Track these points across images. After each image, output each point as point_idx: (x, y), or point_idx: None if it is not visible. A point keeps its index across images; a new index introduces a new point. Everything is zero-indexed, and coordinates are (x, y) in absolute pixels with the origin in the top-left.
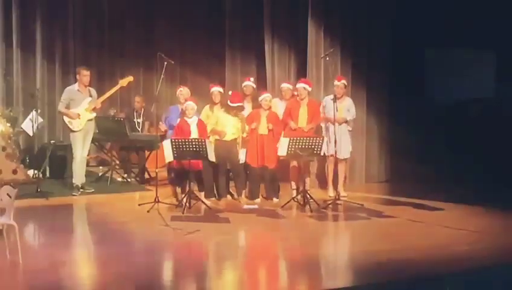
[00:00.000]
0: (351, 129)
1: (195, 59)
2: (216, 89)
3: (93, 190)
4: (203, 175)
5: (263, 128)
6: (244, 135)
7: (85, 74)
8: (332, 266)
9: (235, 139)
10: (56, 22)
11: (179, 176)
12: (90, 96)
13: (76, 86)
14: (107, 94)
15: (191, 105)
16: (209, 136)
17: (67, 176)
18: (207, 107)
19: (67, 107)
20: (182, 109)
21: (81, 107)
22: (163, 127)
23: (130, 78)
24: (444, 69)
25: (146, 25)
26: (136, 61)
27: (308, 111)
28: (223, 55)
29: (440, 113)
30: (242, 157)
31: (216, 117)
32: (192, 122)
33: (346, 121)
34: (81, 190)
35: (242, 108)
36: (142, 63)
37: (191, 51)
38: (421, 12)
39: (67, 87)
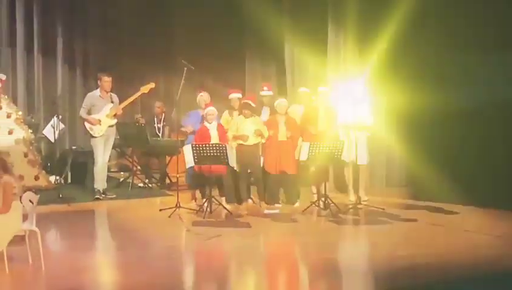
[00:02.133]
0: (369, 134)
1: (215, 64)
2: (235, 96)
3: (114, 196)
4: (225, 180)
5: (282, 134)
6: (263, 140)
7: (106, 80)
8: (353, 271)
9: (257, 144)
10: (77, 28)
11: (200, 180)
12: (112, 102)
13: (97, 92)
14: (129, 100)
15: (211, 110)
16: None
17: (88, 182)
18: (226, 112)
19: (89, 113)
20: (202, 115)
21: (102, 113)
22: (189, 128)
23: (152, 85)
24: (465, 72)
25: (166, 31)
26: (156, 67)
27: (326, 116)
28: (242, 60)
29: (461, 116)
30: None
31: (236, 123)
32: (212, 127)
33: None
34: (103, 195)
35: (247, 105)
36: (162, 68)
37: (210, 56)
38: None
39: (89, 93)
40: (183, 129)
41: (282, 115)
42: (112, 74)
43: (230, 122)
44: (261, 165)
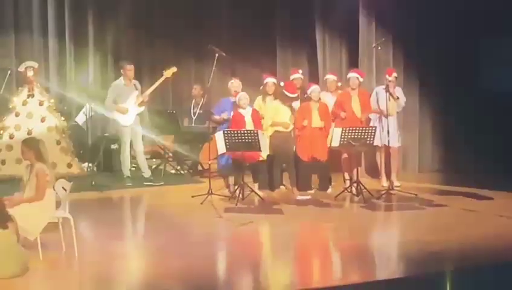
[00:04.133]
0: (400, 109)
1: (246, 50)
2: (270, 80)
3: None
4: (259, 166)
5: (315, 121)
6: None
7: (129, 69)
8: (386, 256)
9: (291, 130)
10: (108, 15)
11: (233, 167)
12: (136, 89)
13: (121, 80)
14: (153, 87)
15: (244, 95)
16: (266, 129)
17: (120, 169)
18: (259, 98)
19: (114, 102)
20: (234, 102)
21: (129, 102)
22: (225, 115)
23: (174, 69)
24: (498, 59)
25: (196, 18)
26: (187, 54)
27: (360, 101)
28: (273, 47)
29: (493, 103)
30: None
31: (272, 109)
32: (247, 113)
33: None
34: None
35: (298, 99)
36: (193, 55)
37: (241, 42)
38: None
39: (113, 83)
40: (215, 117)
41: (315, 102)
42: (142, 61)
43: (263, 107)
44: (294, 151)
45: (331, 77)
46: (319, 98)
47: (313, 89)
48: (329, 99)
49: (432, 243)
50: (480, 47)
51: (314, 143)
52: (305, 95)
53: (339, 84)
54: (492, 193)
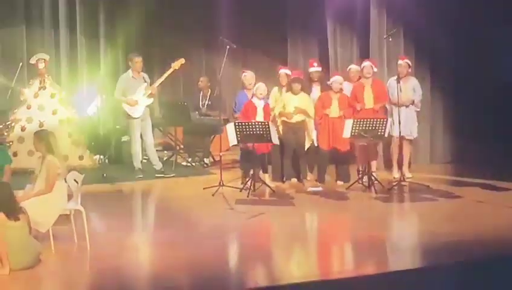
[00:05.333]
0: (418, 110)
1: (257, 41)
2: (284, 71)
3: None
4: (272, 158)
5: (334, 111)
6: (309, 118)
7: (137, 61)
8: (399, 247)
9: (303, 121)
10: (119, 8)
11: (243, 158)
12: (145, 82)
13: (130, 73)
14: (161, 78)
15: (262, 86)
16: (276, 120)
17: (131, 161)
18: (276, 89)
19: (123, 94)
20: (252, 94)
21: (138, 94)
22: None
23: (182, 61)
24: (511, 48)
25: (207, 9)
26: (198, 46)
27: (373, 91)
28: (284, 37)
29: (506, 93)
30: (314, 139)
31: (283, 100)
32: (260, 105)
33: (412, 102)
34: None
35: (298, 80)
36: (203, 46)
37: (252, 33)
38: None
39: (122, 75)
40: (237, 116)
41: (335, 93)
42: (153, 53)
43: (279, 99)
44: (304, 142)
45: (354, 67)
46: (341, 89)
47: (335, 80)
48: (350, 90)
49: (445, 234)
50: (492, 36)
51: (333, 133)
52: (328, 82)
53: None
54: (506, 184)
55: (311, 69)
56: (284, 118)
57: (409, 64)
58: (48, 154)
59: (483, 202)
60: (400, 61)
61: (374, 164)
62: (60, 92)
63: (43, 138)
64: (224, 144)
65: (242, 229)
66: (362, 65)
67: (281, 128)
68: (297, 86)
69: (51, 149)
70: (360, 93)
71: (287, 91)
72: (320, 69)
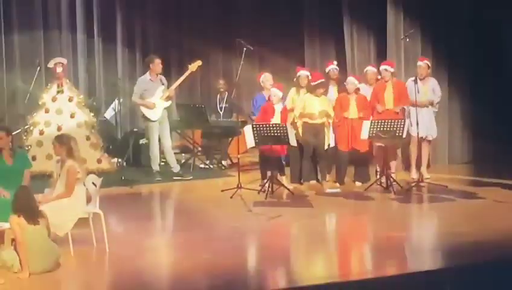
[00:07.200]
0: (436, 110)
1: (274, 43)
2: (303, 73)
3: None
4: (290, 159)
5: (353, 112)
6: (330, 120)
7: (158, 63)
8: (418, 248)
9: (323, 122)
10: (136, 11)
11: (261, 160)
12: (162, 84)
13: (148, 75)
14: (179, 81)
15: (274, 92)
16: (296, 121)
17: (149, 164)
18: (293, 90)
19: (141, 97)
20: (268, 97)
21: (156, 97)
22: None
23: (199, 62)
24: None
25: (225, 12)
26: (215, 48)
27: (394, 92)
28: (301, 39)
29: None
30: (332, 141)
31: (303, 101)
32: (278, 107)
33: (431, 103)
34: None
35: (324, 84)
36: (220, 48)
37: (269, 35)
38: None
39: (140, 78)
40: (255, 118)
41: (352, 94)
42: (170, 55)
43: (297, 100)
44: (324, 143)
45: (370, 69)
46: (358, 89)
47: (348, 81)
48: (368, 92)
49: (464, 234)
50: (511, 37)
51: (352, 133)
52: (344, 83)
53: (378, 76)
54: None
55: (330, 67)
56: (306, 119)
57: (428, 65)
58: (68, 159)
59: (503, 202)
60: (419, 62)
61: (393, 164)
62: (78, 96)
63: (64, 142)
64: (242, 146)
65: (260, 231)
66: (381, 68)
67: (300, 129)
68: (320, 91)
69: (72, 154)
70: (381, 93)
71: (308, 92)
72: (337, 69)
